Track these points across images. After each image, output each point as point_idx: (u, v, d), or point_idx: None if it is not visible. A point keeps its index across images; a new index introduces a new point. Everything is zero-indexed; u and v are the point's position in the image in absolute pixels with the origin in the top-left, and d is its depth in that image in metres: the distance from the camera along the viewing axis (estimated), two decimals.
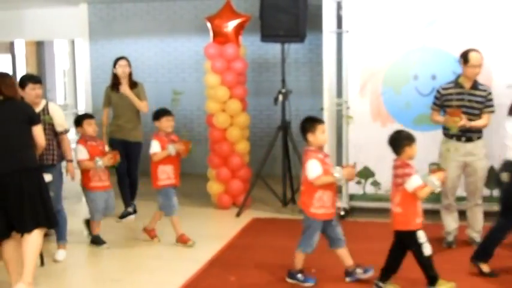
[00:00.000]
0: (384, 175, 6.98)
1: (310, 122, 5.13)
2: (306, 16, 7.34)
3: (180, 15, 9.81)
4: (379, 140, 6.88)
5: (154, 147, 6.19)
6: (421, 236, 4.78)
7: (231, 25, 7.67)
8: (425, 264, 4.79)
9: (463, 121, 5.68)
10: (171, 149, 6.14)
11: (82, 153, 6.23)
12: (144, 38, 9.97)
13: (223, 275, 5.43)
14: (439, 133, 6.11)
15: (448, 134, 5.92)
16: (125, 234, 6.80)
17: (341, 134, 7.28)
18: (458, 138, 5.85)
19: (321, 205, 5.03)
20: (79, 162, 6.25)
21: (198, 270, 5.57)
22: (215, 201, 7.80)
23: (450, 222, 6.07)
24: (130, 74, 7.18)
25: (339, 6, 7.12)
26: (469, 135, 5.85)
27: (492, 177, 6.50)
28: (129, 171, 7.28)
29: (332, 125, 7.35)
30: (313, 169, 4.97)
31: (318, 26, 7.19)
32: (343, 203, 7.22)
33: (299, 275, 5.18)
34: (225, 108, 7.66)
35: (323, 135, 5.11)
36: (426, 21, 6.77)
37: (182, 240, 6.27)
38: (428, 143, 6.19)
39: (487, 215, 6.15)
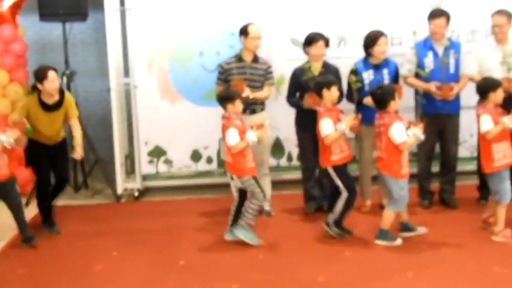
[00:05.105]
0: (176, 153, 7.05)
1: None
2: None
3: None
4: (169, 118, 6.97)
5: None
6: None
7: (5, 4, 7.18)
8: None
9: (247, 92, 5.85)
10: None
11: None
12: None
13: (10, 268, 5.15)
14: None
15: None
16: None
17: (131, 114, 7.18)
18: (243, 110, 6.01)
19: None
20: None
21: None
22: None
23: None
24: None
25: None
26: (253, 107, 6.05)
27: (277, 148, 6.83)
28: None
29: (121, 104, 7.23)
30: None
31: (102, 5, 6.98)
32: (136, 184, 7.15)
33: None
34: (5, 93, 7.20)
35: None
36: None
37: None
38: (217, 119, 6.32)
39: (274, 183, 6.43)
